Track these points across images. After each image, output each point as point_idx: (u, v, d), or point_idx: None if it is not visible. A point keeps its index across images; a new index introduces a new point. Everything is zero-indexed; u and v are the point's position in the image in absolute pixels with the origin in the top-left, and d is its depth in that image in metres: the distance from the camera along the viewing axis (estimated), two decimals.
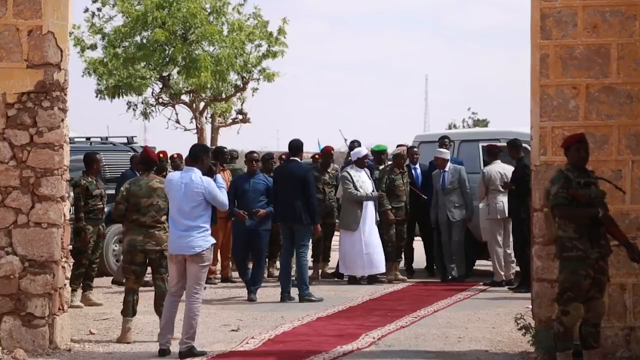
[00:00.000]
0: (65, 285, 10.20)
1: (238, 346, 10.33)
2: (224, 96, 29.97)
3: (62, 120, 10.02)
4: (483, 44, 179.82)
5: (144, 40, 28.37)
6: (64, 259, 10.10)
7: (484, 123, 51.03)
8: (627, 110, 9.55)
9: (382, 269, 15.66)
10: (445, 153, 16.21)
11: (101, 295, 14.06)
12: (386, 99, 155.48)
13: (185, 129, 30.73)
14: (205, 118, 30.75)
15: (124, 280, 11.59)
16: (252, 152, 14.66)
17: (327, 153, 16.53)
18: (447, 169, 15.98)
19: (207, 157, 10.06)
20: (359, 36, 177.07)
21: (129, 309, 10.72)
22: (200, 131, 30.16)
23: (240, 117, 31.08)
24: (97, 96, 28.44)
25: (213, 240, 9.96)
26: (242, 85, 29.75)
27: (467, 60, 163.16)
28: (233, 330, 11.28)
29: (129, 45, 28.46)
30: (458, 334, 11.00)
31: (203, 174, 9.90)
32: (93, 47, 28.73)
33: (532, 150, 9.77)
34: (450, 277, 15.85)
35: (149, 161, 11.06)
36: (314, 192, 14.07)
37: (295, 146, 14.14)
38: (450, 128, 48.64)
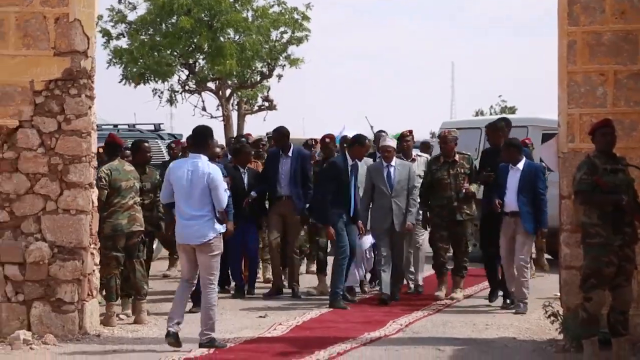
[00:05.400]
0: (94, 271, 10.26)
1: (266, 332, 10.35)
2: (249, 83, 30.04)
3: (90, 107, 10.06)
4: (509, 31, 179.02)
5: (170, 28, 28.48)
6: (92, 245, 10.16)
7: (511, 110, 50.76)
8: None
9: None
10: (392, 141, 12.97)
11: None
12: (412, 86, 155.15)
13: (212, 117, 30.84)
14: (232, 105, 30.84)
15: None
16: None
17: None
18: (393, 163, 12.48)
19: (212, 140, 9.83)
20: (384, 23, 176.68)
21: (113, 294, 10.87)
22: (226, 118, 30.24)
23: (266, 104, 31.14)
24: (120, 81, 28.59)
25: (221, 229, 9.57)
26: (267, 72, 29.82)
27: (494, 47, 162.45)
28: (261, 316, 11.32)
29: (155, 32, 28.58)
30: (485, 321, 10.98)
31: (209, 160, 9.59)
32: (119, 36, 28.89)
33: (560, 137, 9.70)
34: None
35: (116, 146, 11.26)
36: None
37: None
38: (477, 115, 48.46)
